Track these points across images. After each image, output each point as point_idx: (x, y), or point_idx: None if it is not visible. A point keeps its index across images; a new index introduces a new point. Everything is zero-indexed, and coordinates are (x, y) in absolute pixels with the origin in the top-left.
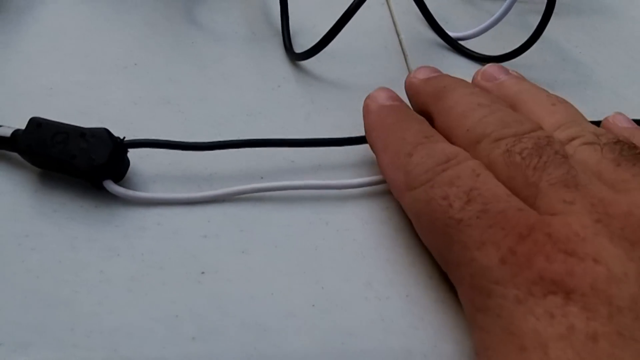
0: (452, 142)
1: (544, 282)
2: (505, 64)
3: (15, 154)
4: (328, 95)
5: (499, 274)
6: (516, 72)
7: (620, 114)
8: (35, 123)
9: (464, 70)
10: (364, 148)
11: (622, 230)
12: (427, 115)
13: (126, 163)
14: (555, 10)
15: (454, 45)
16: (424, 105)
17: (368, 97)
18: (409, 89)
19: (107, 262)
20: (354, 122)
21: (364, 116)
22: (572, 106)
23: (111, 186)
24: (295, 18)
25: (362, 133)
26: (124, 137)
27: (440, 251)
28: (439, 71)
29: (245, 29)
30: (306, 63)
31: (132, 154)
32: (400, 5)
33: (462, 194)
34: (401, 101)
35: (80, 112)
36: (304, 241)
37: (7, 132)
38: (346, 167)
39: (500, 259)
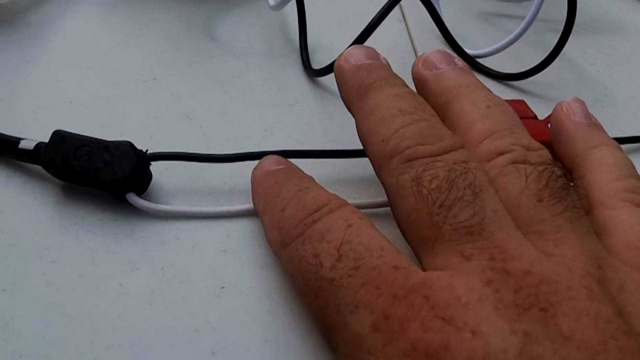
0: (367, 150)
1: (416, 354)
2: (523, 82)
3: (37, 167)
4: (346, 112)
5: (371, 342)
6: (462, 62)
7: (577, 100)
8: (59, 136)
9: None
10: None
11: (515, 294)
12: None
13: (149, 176)
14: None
15: (472, 63)
16: (346, 99)
17: (255, 167)
18: (336, 73)
19: (126, 275)
20: None
21: (250, 185)
22: (509, 110)
23: (134, 199)
24: (313, 35)
25: None
26: (147, 150)
27: (316, 314)
28: (376, 55)
29: (264, 45)
30: (324, 79)
31: (153, 167)
32: (418, 23)
33: (333, 249)
34: (289, 164)
35: (100, 125)
36: None
37: (31, 145)
38: (365, 181)
39: (373, 324)
